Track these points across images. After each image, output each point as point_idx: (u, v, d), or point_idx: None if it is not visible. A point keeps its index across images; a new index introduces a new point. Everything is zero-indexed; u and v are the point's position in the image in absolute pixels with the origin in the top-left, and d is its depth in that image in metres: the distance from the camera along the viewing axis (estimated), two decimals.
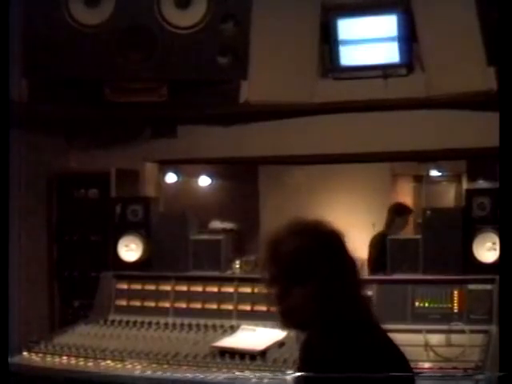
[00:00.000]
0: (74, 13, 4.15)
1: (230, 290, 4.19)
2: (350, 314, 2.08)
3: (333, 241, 2.12)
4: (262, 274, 2.19)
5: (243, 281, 4.21)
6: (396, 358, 2.10)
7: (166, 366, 3.56)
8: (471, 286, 3.80)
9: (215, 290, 4.22)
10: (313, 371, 2.10)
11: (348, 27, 4.38)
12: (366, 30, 4.36)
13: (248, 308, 4.12)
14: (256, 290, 4.11)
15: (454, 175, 9.93)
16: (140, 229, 4.52)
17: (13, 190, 3.24)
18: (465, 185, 9.15)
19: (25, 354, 3.81)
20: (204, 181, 9.23)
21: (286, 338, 3.69)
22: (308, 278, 2.05)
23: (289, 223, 2.15)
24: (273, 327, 3.78)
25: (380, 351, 2.07)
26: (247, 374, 3.40)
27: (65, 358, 3.76)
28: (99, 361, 3.69)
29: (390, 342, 2.14)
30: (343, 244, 2.14)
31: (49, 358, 3.77)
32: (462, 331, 3.59)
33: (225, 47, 4.24)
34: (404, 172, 9.90)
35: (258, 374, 3.33)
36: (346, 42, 4.40)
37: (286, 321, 2.15)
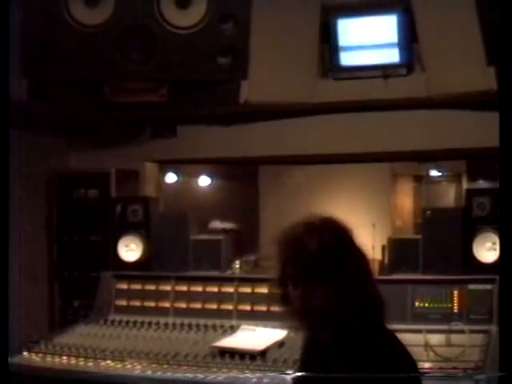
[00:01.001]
0: (74, 13, 4.15)
1: (230, 289, 4.19)
2: (364, 314, 2.05)
3: (350, 237, 2.09)
4: (274, 273, 2.12)
5: (243, 281, 4.21)
6: (403, 360, 2.07)
7: (165, 366, 3.56)
8: (471, 286, 3.80)
9: (215, 289, 4.22)
10: (316, 371, 2.09)
11: (348, 27, 4.38)
12: (365, 29, 4.36)
13: (248, 308, 4.12)
14: (256, 290, 4.11)
15: (454, 175, 9.92)
16: (140, 229, 4.53)
17: (13, 190, 3.23)
18: (465, 185, 9.14)
19: (25, 354, 3.82)
20: (204, 181, 9.21)
21: (286, 337, 3.69)
22: (332, 276, 2.00)
23: (305, 221, 2.08)
24: (273, 327, 3.78)
25: (388, 353, 2.04)
26: (247, 373, 3.40)
27: (65, 357, 3.76)
28: (99, 361, 3.69)
29: (399, 343, 2.11)
30: (356, 240, 2.11)
31: (49, 358, 3.77)
32: (462, 331, 3.59)
33: (225, 47, 4.24)
34: (404, 172, 9.89)
35: (257, 374, 3.32)
36: (346, 42, 4.40)
37: (306, 321, 2.07)
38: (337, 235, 2.06)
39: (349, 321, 2.03)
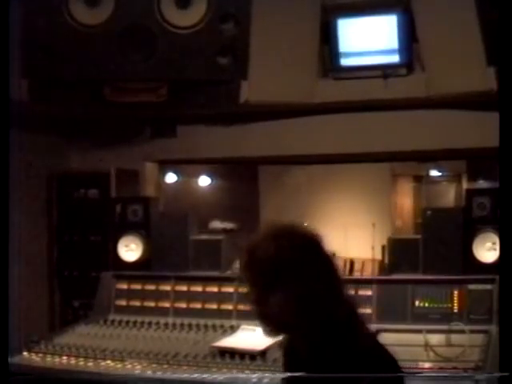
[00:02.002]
0: (74, 13, 4.15)
1: (230, 289, 4.19)
2: (331, 315, 2.04)
3: (308, 244, 2.07)
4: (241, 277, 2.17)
5: (243, 281, 4.20)
6: (380, 362, 2.06)
7: (165, 366, 3.56)
8: (471, 286, 3.80)
9: (215, 290, 4.22)
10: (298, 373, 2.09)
11: (348, 27, 4.39)
12: (365, 30, 4.36)
13: (248, 308, 4.11)
14: None
15: (454, 175, 9.95)
16: (140, 229, 4.52)
17: (13, 190, 3.23)
18: (465, 185, 9.16)
19: (25, 354, 3.81)
20: (204, 181, 9.24)
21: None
22: (284, 282, 2.01)
23: (265, 227, 2.12)
24: None
25: (363, 351, 2.03)
26: (247, 373, 3.40)
27: (65, 358, 3.76)
28: (99, 361, 3.68)
29: (376, 345, 2.10)
30: (320, 246, 2.09)
31: (49, 358, 3.77)
32: (462, 331, 3.59)
33: (225, 47, 4.24)
34: (404, 172, 9.91)
35: (257, 374, 3.32)
36: (346, 42, 4.40)
37: (265, 326, 2.10)
38: (296, 243, 2.05)
39: (308, 327, 2.04)
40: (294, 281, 2.01)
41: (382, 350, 2.08)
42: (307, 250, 2.05)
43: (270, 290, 2.03)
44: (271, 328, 2.10)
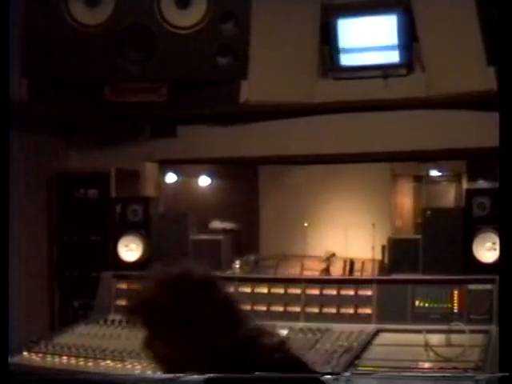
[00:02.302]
0: (74, 13, 4.15)
1: (230, 290, 4.18)
2: (222, 354, 2.09)
3: (194, 287, 2.11)
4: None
5: (243, 281, 4.21)
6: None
7: None
8: (471, 286, 3.81)
9: None
10: None
11: (348, 27, 4.38)
12: (365, 30, 4.36)
13: (248, 308, 4.11)
14: (256, 290, 4.11)
15: (453, 175, 9.92)
16: (140, 229, 4.53)
17: (13, 190, 3.23)
18: (465, 185, 9.14)
19: (25, 353, 3.82)
20: (204, 181, 9.22)
21: (286, 337, 3.69)
22: (169, 325, 2.05)
23: (155, 273, 2.16)
24: (272, 327, 3.77)
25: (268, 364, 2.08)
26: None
27: (65, 357, 3.76)
28: (99, 361, 3.69)
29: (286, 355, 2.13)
30: (207, 289, 2.14)
31: (49, 358, 3.77)
32: (462, 331, 3.59)
33: (225, 47, 4.24)
34: (404, 172, 9.89)
35: (257, 374, 3.31)
36: (346, 42, 4.40)
37: (161, 370, 2.13)
38: (181, 287, 2.09)
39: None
40: (178, 324, 2.04)
41: (289, 359, 2.13)
42: (191, 294, 2.08)
43: (157, 333, 2.06)
44: (168, 372, 2.12)
